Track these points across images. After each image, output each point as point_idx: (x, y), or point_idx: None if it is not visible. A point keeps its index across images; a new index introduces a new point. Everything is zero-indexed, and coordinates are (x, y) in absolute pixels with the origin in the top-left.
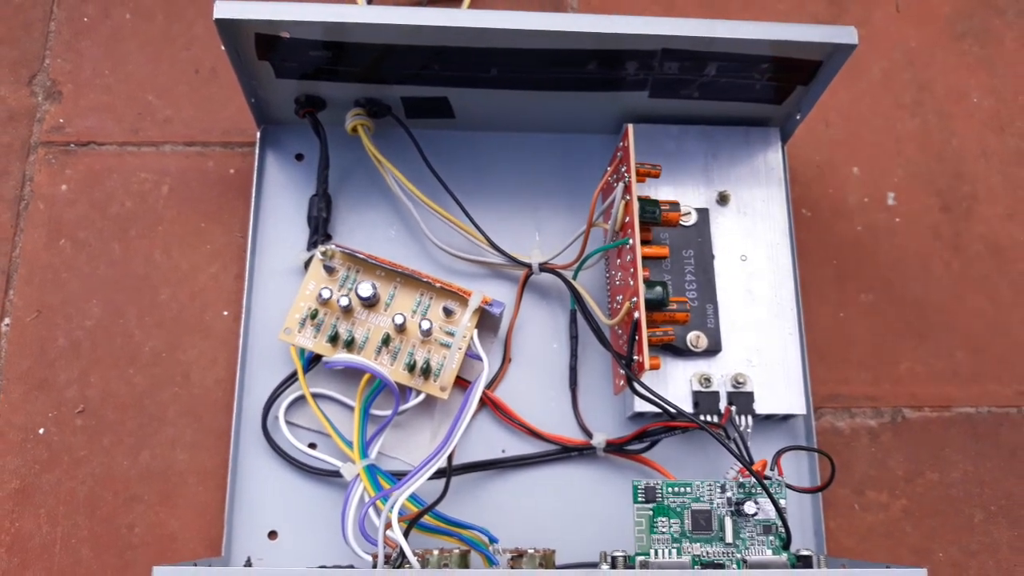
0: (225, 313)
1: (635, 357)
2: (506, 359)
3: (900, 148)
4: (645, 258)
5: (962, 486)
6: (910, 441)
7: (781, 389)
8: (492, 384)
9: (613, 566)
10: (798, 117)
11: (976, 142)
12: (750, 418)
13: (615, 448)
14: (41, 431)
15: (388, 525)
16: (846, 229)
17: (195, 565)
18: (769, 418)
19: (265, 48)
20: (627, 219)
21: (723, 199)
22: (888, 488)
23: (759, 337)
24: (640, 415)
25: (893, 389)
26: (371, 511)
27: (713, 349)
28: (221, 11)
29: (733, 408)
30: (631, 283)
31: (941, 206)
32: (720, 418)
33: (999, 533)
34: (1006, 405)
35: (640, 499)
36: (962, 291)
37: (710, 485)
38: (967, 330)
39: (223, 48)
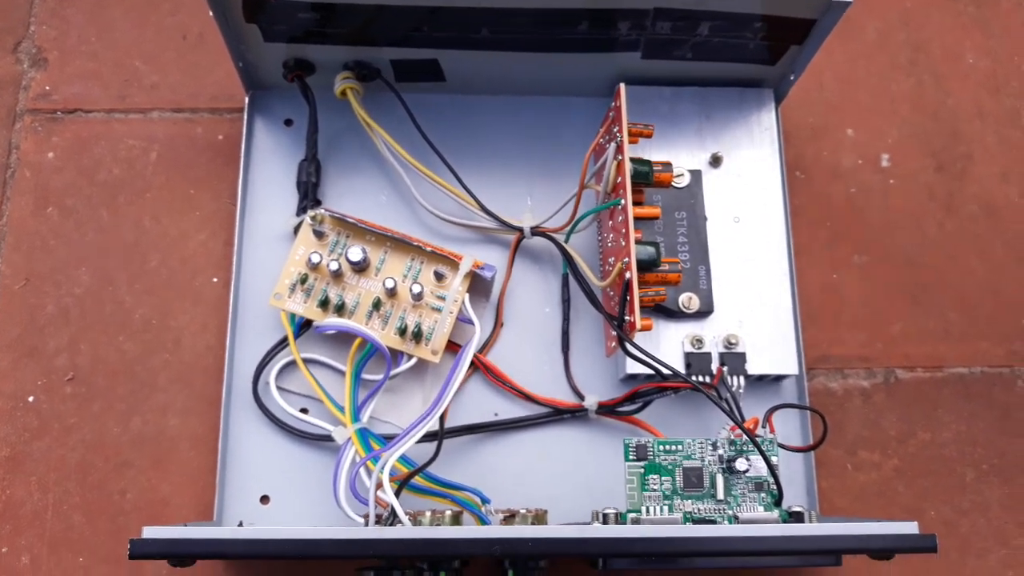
0: (215, 279)
1: (627, 317)
2: (498, 323)
3: (895, 109)
4: (637, 219)
5: (954, 445)
6: (903, 401)
7: (773, 350)
8: (485, 348)
9: (604, 523)
10: (792, 78)
11: (971, 103)
12: (742, 378)
13: (607, 410)
14: (31, 399)
15: (379, 485)
16: (840, 191)
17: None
18: (762, 379)
19: (252, 10)
20: (619, 179)
21: (716, 161)
22: (881, 448)
23: (751, 298)
24: (632, 377)
25: (886, 350)
26: (362, 472)
27: (705, 310)
28: None
29: (725, 368)
30: (623, 244)
31: (935, 167)
32: (712, 379)
33: (991, 492)
34: (999, 365)
35: (631, 457)
36: (955, 251)
37: (701, 443)
38: (960, 290)
39: (210, 12)
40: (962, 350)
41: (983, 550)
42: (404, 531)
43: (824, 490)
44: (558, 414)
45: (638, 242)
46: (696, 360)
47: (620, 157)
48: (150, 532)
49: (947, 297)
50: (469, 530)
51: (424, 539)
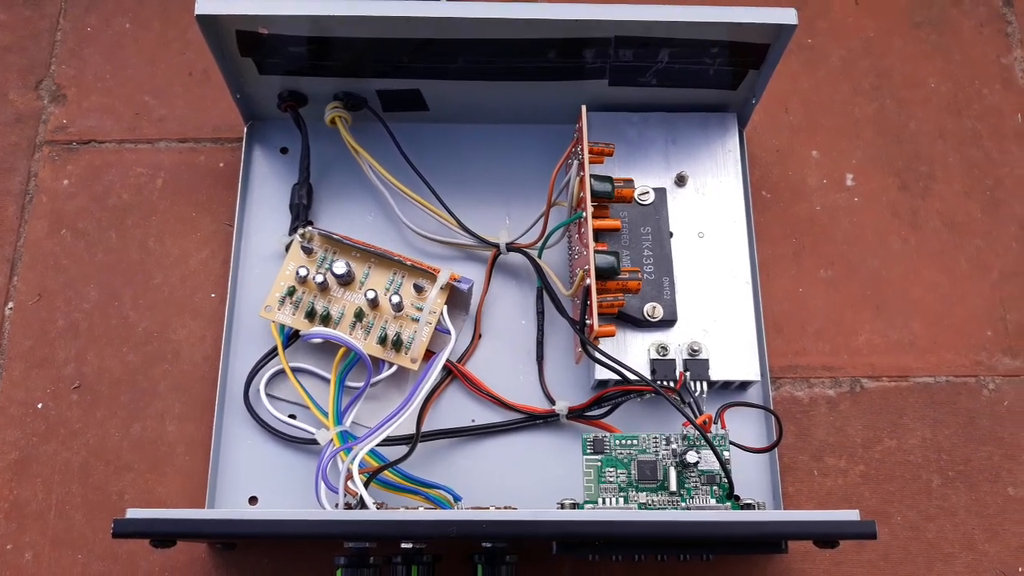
0: (213, 295)
1: (587, 321)
2: (476, 335)
3: (859, 131)
4: (600, 231)
5: (920, 452)
6: (868, 410)
7: (736, 357)
8: (463, 358)
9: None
10: (754, 101)
11: (934, 125)
12: (704, 384)
13: (577, 414)
14: (39, 406)
15: (349, 476)
16: (805, 209)
17: None
18: (727, 386)
19: (247, 45)
20: (581, 195)
21: (681, 180)
22: (847, 454)
23: (715, 308)
24: (603, 384)
25: (851, 360)
26: (338, 461)
27: (669, 319)
28: (202, 7)
29: (687, 374)
30: (584, 254)
31: (899, 185)
32: (675, 384)
33: (957, 497)
34: (964, 375)
35: (589, 451)
36: (919, 265)
37: (656, 438)
38: (924, 303)
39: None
40: (927, 360)
41: (950, 555)
42: (363, 514)
43: (791, 495)
44: (532, 420)
45: (599, 252)
46: (661, 366)
47: (582, 173)
48: (133, 513)
49: (912, 309)
50: (425, 513)
51: (382, 520)
